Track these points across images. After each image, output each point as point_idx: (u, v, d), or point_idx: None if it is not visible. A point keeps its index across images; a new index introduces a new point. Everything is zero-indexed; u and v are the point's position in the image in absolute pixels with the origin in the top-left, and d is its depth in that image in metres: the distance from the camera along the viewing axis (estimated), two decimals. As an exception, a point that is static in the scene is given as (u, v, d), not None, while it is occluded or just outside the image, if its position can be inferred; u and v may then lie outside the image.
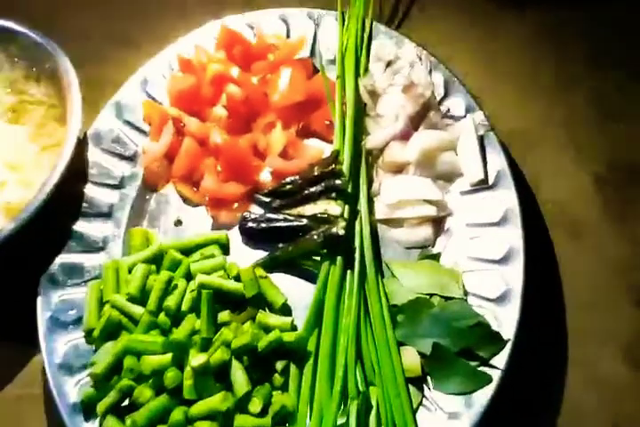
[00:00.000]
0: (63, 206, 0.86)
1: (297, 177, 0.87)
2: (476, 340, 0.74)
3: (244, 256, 0.85)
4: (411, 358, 0.74)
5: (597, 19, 1.01)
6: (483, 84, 0.95)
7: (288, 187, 0.87)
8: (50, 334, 0.79)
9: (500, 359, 0.73)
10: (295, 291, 0.82)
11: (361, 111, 0.91)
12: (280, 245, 0.84)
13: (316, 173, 0.86)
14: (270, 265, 0.83)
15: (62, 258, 0.84)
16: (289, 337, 0.75)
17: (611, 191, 0.90)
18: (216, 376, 0.74)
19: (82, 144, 0.90)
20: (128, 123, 0.93)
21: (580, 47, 1.00)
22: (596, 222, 0.88)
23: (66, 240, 0.85)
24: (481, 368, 0.73)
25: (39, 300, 0.81)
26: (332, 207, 0.83)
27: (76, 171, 0.88)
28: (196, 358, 0.72)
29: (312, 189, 0.85)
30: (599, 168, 0.92)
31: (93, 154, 0.91)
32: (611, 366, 0.80)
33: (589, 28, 1.01)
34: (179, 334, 0.75)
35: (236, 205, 0.88)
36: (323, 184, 0.85)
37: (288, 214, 0.85)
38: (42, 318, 0.80)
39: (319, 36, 0.96)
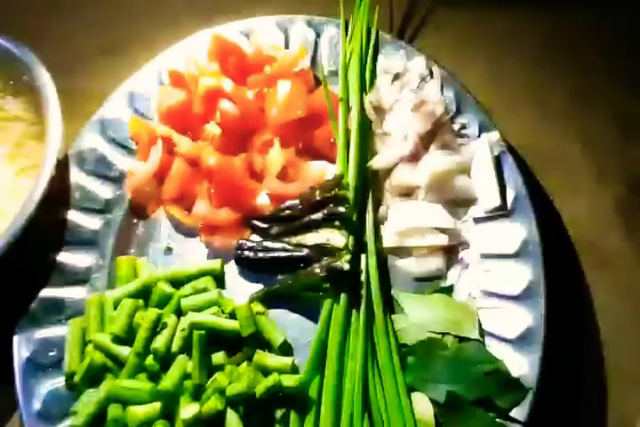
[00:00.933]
0: (42, 235, 0.79)
1: (297, 201, 0.81)
2: (494, 388, 0.68)
3: (240, 288, 0.79)
4: (423, 408, 0.68)
5: (615, 33, 0.96)
6: (494, 100, 0.88)
7: (287, 212, 0.81)
8: (27, 379, 0.73)
9: (522, 410, 0.67)
10: (295, 327, 0.76)
11: (366, 129, 0.84)
12: (279, 276, 0.78)
13: (317, 198, 0.79)
14: (268, 299, 0.77)
15: (41, 292, 0.78)
16: (289, 381, 0.69)
17: (633, 214, 0.85)
18: (209, 428, 0.67)
19: (63, 165, 0.83)
20: (113, 141, 0.86)
21: (596, 61, 0.94)
22: (620, 250, 0.82)
23: (45, 273, 0.78)
24: (500, 420, 0.67)
25: (16, 339, 0.75)
26: (336, 237, 0.76)
27: (56, 195, 0.81)
28: (187, 409, 0.67)
29: (313, 216, 0.79)
30: (620, 189, 0.86)
31: (75, 175, 0.84)
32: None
33: (606, 42, 0.95)
34: (168, 380, 0.69)
35: (231, 231, 0.81)
36: (325, 210, 0.78)
37: (287, 243, 0.79)
38: (19, 359, 0.74)
39: (320, 46, 0.89)
